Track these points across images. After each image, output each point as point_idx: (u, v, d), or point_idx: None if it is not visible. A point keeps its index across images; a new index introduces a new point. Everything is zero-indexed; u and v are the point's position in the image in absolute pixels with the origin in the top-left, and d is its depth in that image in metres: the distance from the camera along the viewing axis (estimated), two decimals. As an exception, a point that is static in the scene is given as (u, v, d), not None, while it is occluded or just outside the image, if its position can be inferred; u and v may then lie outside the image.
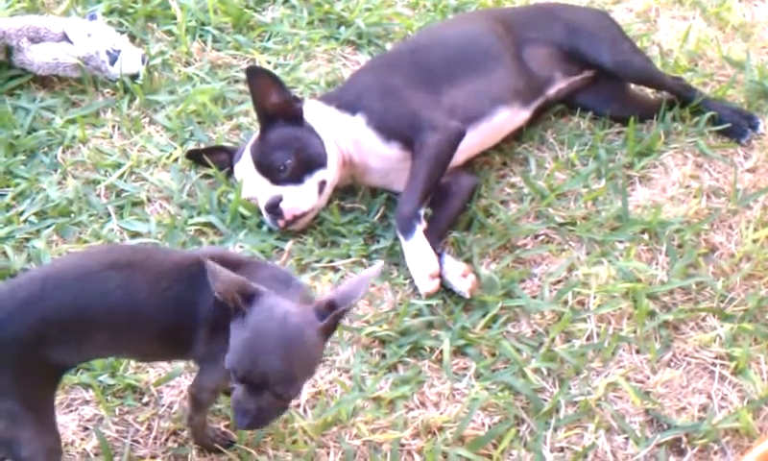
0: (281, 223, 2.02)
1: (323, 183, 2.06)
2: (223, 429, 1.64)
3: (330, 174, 2.07)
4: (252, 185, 2.06)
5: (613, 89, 2.40)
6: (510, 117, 2.23)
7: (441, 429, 1.68)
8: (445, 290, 1.92)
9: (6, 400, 1.34)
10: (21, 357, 1.34)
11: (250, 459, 1.59)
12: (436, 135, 2.04)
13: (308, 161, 2.04)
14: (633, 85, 2.45)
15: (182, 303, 1.39)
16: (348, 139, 2.11)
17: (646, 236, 2.08)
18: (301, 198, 2.02)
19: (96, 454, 1.59)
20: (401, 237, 1.96)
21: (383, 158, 2.11)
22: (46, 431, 1.40)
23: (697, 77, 2.55)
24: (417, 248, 1.93)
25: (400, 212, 1.98)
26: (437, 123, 2.05)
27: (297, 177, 2.03)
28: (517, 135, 2.31)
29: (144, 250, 1.61)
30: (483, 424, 1.70)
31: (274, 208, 2.01)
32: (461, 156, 2.14)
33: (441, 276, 1.91)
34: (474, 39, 2.26)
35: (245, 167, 2.08)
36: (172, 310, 1.39)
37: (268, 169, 2.04)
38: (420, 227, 1.96)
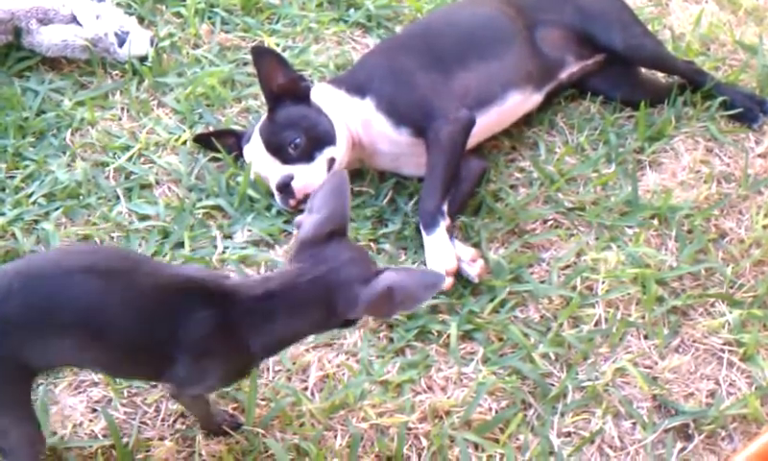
0: (293, 202, 2.02)
1: (332, 161, 2.05)
2: (230, 413, 1.64)
3: (339, 151, 2.06)
4: (263, 166, 2.06)
5: (624, 73, 2.38)
6: (522, 101, 2.22)
7: (448, 413, 1.68)
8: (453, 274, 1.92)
9: None
10: None
11: (257, 442, 1.60)
12: (448, 126, 2.02)
13: (318, 139, 2.04)
14: (644, 70, 2.43)
15: (161, 328, 1.32)
16: (357, 122, 2.10)
17: (656, 221, 2.07)
18: (313, 175, 2.02)
19: (104, 435, 1.60)
20: (424, 232, 1.95)
21: (393, 143, 2.10)
22: (25, 421, 1.37)
23: (709, 61, 2.53)
24: (438, 243, 1.92)
25: (424, 208, 1.97)
26: (448, 113, 2.04)
27: (307, 155, 2.03)
28: (527, 120, 2.30)
29: (131, 259, 1.45)
30: (490, 409, 1.70)
31: (285, 188, 2.01)
32: (471, 140, 2.13)
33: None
34: (486, 22, 2.24)
35: (254, 148, 2.08)
36: (147, 331, 1.32)
37: (278, 148, 2.04)
38: (444, 222, 1.94)
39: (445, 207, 1.98)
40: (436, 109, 2.04)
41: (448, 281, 1.89)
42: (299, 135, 2.02)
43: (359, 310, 1.33)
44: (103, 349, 1.33)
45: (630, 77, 2.40)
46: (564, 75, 2.32)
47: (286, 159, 2.03)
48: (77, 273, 1.29)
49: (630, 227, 2.05)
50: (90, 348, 1.33)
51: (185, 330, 1.32)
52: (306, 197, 2.01)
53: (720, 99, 2.35)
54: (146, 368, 1.40)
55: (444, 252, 1.90)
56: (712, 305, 1.91)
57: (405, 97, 2.08)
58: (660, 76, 2.46)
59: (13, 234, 1.93)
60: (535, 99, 2.26)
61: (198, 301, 1.34)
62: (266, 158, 2.05)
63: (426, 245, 1.94)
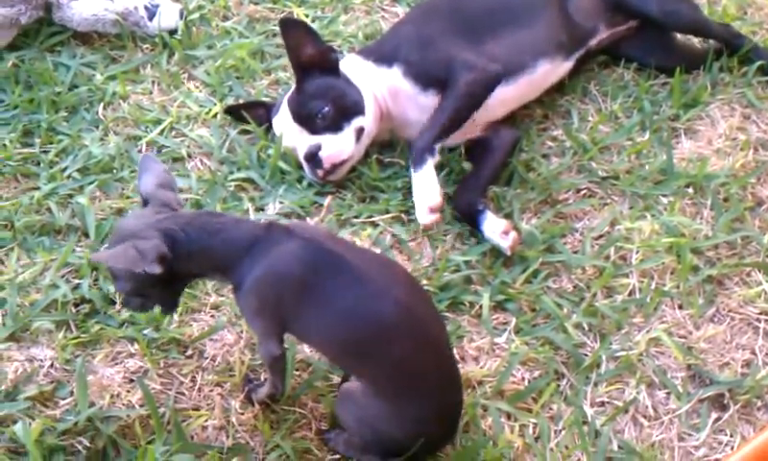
0: (320, 172, 2.02)
1: (360, 130, 2.05)
2: None
3: (368, 121, 2.05)
4: (291, 137, 2.06)
5: (659, 39, 2.34)
6: (551, 69, 2.19)
7: (480, 383, 1.68)
8: (485, 245, 1.91)
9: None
10: None
11: (291, 411, 1.61)
12: (471, 74, 2.01)
13: (346, 109, 2.03)
14: (678, 35, 2.39)
15: None
16: (385, 92, 2.09)
17: (691, 190, 2.04)
18: (340, 145, 2.02)
19: (141, 405, 1.62)
20: (412, 169, 1.95)
21: (421, 108, 2.08)
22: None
23: (746, 25, 2.47)
24: (423, 179, 1.92)
25: (416, 144, 1.96)
26: (475, 64, 2.02)
27: (335, 125, 2.03)
28: (559, 88, 2.27)
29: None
30: (523, 379, 1.70)
31: (313, 157, 2.01)
32: (501, 109, 2.11)
33: (475, 220, 1.92)
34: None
35: (283, 119, 2.08)
36: None
37: (306, 119, 2.03)
38: (432, 160, 1.94)
39: (437, 147, 1.96)
40: (461, 62, 2.03)
41: (432, 217, 1.89)
42: (326, 105, 2.02)
43: None
44: None
45: (664, 43, 2.36)
46: (594, 42, 2.29)
47: (314, 130, 2.03)
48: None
49: (664, 195, 2.03)
50: None
51: None
52: (334, 167, 2.01)
53: (757, 64, 2.30)
54: None
55: (428, 188, 1.90)
56: (748, 274, 1.89)
57: (432, 59, 2.06)
58: (696, 41, 2.42)
59: (49, 208, 1.95)
60: (565, 67, 2.23)
61: None
62: (294, 129, 2.05)
63: (413, 182, 1.94)
